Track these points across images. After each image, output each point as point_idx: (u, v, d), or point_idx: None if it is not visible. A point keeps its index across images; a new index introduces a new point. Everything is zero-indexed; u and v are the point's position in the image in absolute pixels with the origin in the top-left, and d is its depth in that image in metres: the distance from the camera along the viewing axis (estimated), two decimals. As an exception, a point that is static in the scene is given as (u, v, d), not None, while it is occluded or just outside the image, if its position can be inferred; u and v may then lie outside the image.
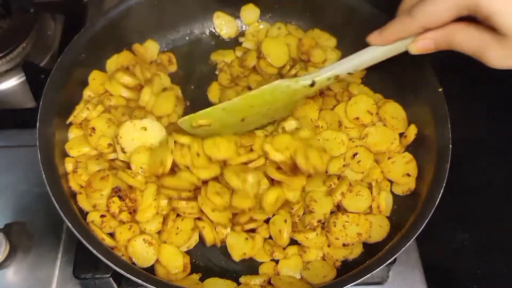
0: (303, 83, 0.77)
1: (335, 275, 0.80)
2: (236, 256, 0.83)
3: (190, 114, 0.79)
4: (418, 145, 0.90)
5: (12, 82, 1.13)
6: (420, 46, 0.66)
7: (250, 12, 1.08)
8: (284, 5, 1.07)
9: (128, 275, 0.70)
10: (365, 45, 0.99)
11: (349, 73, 0.76)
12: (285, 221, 0.84)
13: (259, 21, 1.09)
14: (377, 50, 0.71)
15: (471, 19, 0.61)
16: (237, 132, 0.85)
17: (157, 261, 0.81)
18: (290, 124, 0.88)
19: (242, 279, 0.81)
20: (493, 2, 0.56)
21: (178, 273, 0.80)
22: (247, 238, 0.84)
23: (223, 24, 1.08)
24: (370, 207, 0.87)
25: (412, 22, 0.62)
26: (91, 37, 0.94)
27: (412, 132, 0.90)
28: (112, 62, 1.00)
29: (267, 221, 0.86)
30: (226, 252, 0.85)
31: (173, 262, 0.81)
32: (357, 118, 0.93)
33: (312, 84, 0.76)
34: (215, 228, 0.84)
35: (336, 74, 0.75)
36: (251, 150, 0.85)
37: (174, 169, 0.83)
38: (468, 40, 0.62)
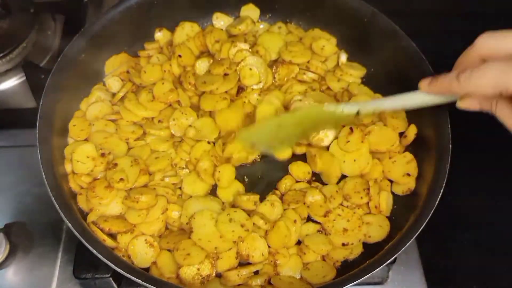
0: (349, 111, 0.79)
1: (335, 275, 0.80)
2: None
3: (246, 128, 0.89)
4: (418, 145, 0.90)
5: (12, 82, 1.13)
6: (466, 104, 0.70)
7: (250, 12, 1.07)
8: (284, 5, 1.07)
9: (128, 275, 0.70)
10: (364, 45, 1.01)
11: (394, 110, 0.81)
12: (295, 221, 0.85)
13: (259, 21, 1.08)
14: (425, 97, 0.73)
15: None
16: (288, 144, 0.89)
17: (154, 262, 0.81)
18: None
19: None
20: None
21: (171, 278, 0.79)
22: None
23: (222, 25, 1.07)
24: (368, 206, 0.87)
25: (458, 86, 0.64)
26: (91, 37, 0.94)
27: (412, 132, 0.90)
28: (111, 63, 1.00)
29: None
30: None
31: (170, 267, 0.80)
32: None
33: (358, 114, 0.79)
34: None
35: (382, 109, 0.80)
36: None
37: None
38: (506, 116, 0.65)
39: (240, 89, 0.97)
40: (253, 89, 0.98)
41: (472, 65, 0.65)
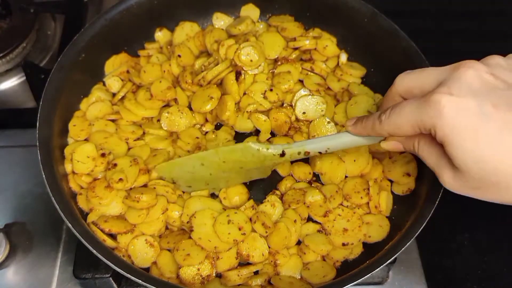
0: (273, 151, 0.78)
1: (335, 275, 0.80)
2: None
3: (167, 162, 0.86)
4: (418, 145, 0.90)
5: (12, 82, 1.13)
6: (391, 145, 0.70)
7: (250, 12, 1.07)
8: (284, 5, 1.07)
9: (128, 275, 0.70)
10: (364, 45, 1.01)
11: (320, 153, 0.77)
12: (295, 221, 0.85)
13: (259, 21, 1.08)
14: (349, 138, 0.73)
15: None
16: (213, 186, 0.87)
17: (154, 262, 0.81)
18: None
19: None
20: (450, 133, 0.56)
21: (171, 278, 0.79)
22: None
23: (222, 25, 1.07)
24: (368, 206, 0.87)
25: (380, 126, 0.65)
26: (91, 37, 0.94)
27: (412, 132, 0.90)
28: (111, 63, 1.00)
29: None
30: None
31: (170, 267, 0.80)
32: (357, 118, 0.93)
33: (282, 154, 0.78)
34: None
35: (306, 151, 0.77)
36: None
37: None
38: (428, 155, 0.64)
39: (238, 74, 0.96)
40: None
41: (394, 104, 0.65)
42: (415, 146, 0.66)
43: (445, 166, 0.61)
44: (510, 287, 0.94)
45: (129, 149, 0.91)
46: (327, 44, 1.03)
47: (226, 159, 0.81)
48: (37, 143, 0.79)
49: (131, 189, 0.85)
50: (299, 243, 0.85)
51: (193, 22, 1.06)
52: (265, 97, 0.96)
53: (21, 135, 1.03)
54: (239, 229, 0.82)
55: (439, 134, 0.57)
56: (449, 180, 0.61)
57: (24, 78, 1.09)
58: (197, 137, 0.93)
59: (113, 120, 0.94)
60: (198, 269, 0.79)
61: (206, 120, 0.97)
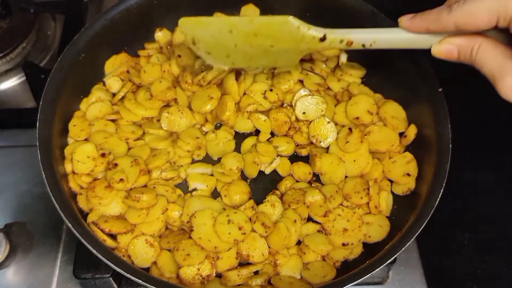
0: (314, 33, 0.73)
1: (335, 275, 0.80)
2: None
3: (192, 17, 0.78)
4: (418, 145, 0.90)
5: (12, 82, 1.13)
6: (443, 49, 0.63)
7: (250, 12, 1.07)
8: (284, 5, 1.07)
9: (128, 275, 0.70)
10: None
11: (364, 45, 0.71)
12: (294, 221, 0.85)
13: (259, 21, 1.08)
14: (400, 35, 0.66)
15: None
16: (233, 61, 0.82)
17: (154, 262, 0.81)
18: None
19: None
20: None
21: (171, 278, 0.79)
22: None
23: (223, 24, 1.07)
24: (368, 206, 0.87)
25: (448, 16, 0.58)
26: (91, 37, 0.94)
27: (412, 132, 0.90)
28: (111, 63, 1.00)
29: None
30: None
31: (170, 267, 0.80)
32: (357, 118, 0.93)
33: (323, 39, 0.72)
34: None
35: (350, 40, 0.71)
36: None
37: None
38: (489, 58, 0.58)
39: (238, 74, 0.96)
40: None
41: None
42: (473, 50, 0.59)
43: (510, 67, 0.55)
44: (510, 287, 0.94)
45: (129, 149, 0.91)
46: None
47: (259, 31, 0.74)
48: (37, 143, 0.79)
49: (131, 189, 0.85)
50: (299, 243, 0.85)
51: (193, 22, 1.05)
52: (265, 97, 0.97)
53: (21, 135, 1.03)
54: (239, 228, 0.82)
55: None
56: (510, 82, 0.55)
57: (24, 78, 1.09)
58: (197, 137, 0.93)
59: (113, 120, 0.94)
60: (198, 269, 0.79)
61: (206, 120, 0.97)
